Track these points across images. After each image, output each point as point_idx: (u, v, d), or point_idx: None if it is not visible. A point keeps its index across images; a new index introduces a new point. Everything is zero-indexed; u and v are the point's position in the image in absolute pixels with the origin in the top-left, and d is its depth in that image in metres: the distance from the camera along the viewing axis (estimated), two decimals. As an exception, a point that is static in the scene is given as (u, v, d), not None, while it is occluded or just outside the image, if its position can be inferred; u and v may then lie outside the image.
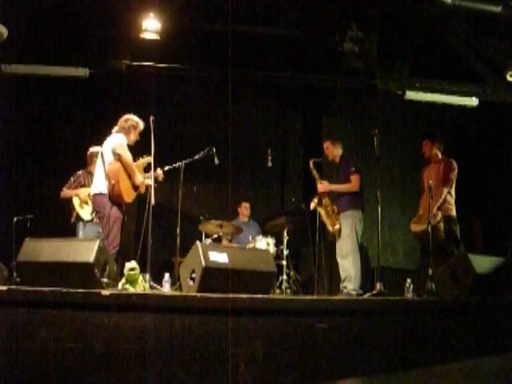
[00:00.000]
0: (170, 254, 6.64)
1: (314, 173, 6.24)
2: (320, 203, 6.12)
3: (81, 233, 6.16)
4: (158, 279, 4.99)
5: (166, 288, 4.85)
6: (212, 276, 4.14)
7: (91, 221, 6.10)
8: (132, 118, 5.47)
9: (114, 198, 5.21)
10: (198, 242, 4.35)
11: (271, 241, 6.81)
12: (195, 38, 7.52)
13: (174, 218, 5.73)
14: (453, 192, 5.84)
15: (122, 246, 5.27)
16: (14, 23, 6.42)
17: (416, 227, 5.88)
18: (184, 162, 5.93)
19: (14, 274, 4.83)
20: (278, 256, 6.71)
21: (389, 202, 8.08)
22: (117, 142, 5.31)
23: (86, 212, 6.16)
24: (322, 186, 6.12)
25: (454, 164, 5.87)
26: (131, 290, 4.55)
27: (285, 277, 6.50)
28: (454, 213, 5.79)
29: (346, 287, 5.77)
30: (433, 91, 7.80)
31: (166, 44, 7.27)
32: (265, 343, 3.74)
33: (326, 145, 6.29)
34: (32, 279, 3.99)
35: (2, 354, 3.53)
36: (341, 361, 3.89)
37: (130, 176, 5.33)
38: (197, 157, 6.08)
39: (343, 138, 6.61)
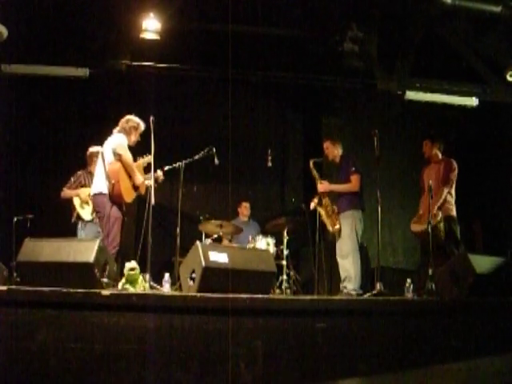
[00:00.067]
0: (170, 254, 6.64)
1: (314, 173, 6.24)
2: (320, 203, 6.12)
3: (81, 233, 6.16)
4: (158, 279, 4.99)
5: (166, 288, 4.85)
6: (212, 276, 4.14)
7: (91, 221, 6.11)
8: (133, 119, 5.49)
9: (114, 197, 5.22)
10: (197, 242, 4.35)
11: (271, 241, 6.82)
12: (195, 38, 7.52)
13: (174, 217, 5.73)
14: (453, 192, 5.84)
15: (121, 245, 5.28)
16: (14, 23, 6.42)
17: (416, 227, 5.88)
18: (184, 162, 5.94)
19: (14, 274, 4.83)
20: (278, 256, 6.71)
21: (389, 202, 8.07)
22: (117, 142, 5.33)
23: (86, 212, 6.17)
24: (322, 186, 6.12)
25: (455, 164, 5.87)
26: (131, 290, 4.55)
27: (285, 277, 6.51)
28: (454, 213, 5.80)
29: (345, 287, 5.77)
30: (433, 91, 7.81)
31: (166, 44, 7.27)
32: (265, 343, 3.74)
33: (326, 145, 6.30)
34: (32, 279, 3.99)
35: (2, 354, 3.53)
36: (341, 361, 3.89)
37: (130, 176, 5.34)
38: (197, 157, 6.09)
39: (343, 138, 6.62)
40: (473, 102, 7.81)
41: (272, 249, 6.72)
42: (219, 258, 4.24)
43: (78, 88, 7.51)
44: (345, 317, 3.99)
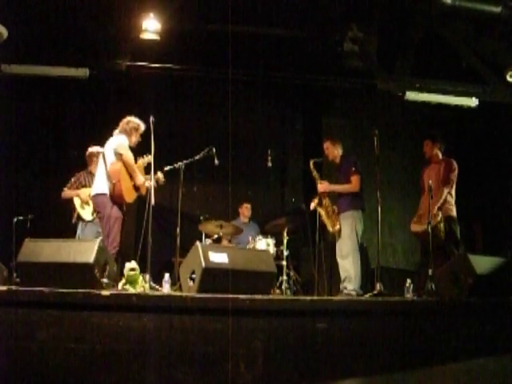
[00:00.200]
0: (170, 254, 6.64)
1: (314, 173, 6.23)
2: (320, 203, 6.12)
3: (81, 233, 6.16)
4: (158, 279, 4.98)
5: (166, 288, 4.84)
6: (212, 276, 4.14)
7: (92, 221, 6.11)
8: (133, 120, 5.51)
9: (115, 198, 5.23)
10: (197, 243, 4.35)
11: (271, 241, 6.82)
12: (195, 39, 7.52)
13: (174, 218, 5.73)
14: (453, 192, 5.84)
15: (122, 246, 5.28)
16: (14, 23, 6.42)
17: (416, 227, 5.88)
18: (184, 162, 5.94)
19: (14, 275, 4.83)
20: (278, 256, 6.71)
21: (389, 203, 8.07)
22: (119, 142, 5.35)
23: (86, 212, 6.17)
24: (322, 186, 6.12)
25: (455, 164, 5.87)
26: (131, 290, 4.55)
27: (285, 277, 6.51)
28: (454, 213, 5.79)
29: (346, 287, 5.76)
30: (433, 91, 7.80)
31: (166, 44, 7.27)
32: (265, 343, 3.74)
33: (326, 145, 6.29)
34: (32, 280, 3.99)
35: (2, 354, 3.53)
36: (341, 361, 3.89)
37: (131, 176, 5.36)
38: (197, 157, 6.09)
39: (343, 138, 6.61)
40: (473, 102, 7.81)
41: (272, 249, 6.72)
42: (219, 258, 4.24)
43: (78, 88, 7.52)
44: (345, 317, 3.99)
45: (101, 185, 5.30)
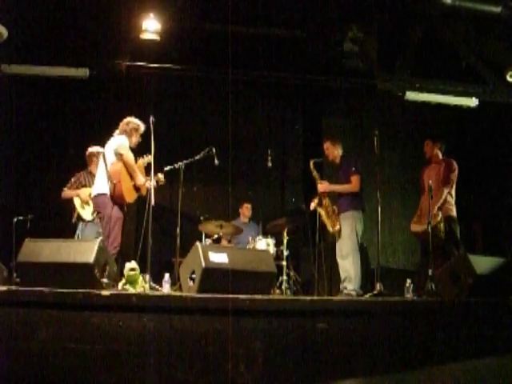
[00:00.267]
0: (170, 254, 6.64)
1: (315, 173, 6.23)
2: (320, 204, 6.12)
3: (81, 233, 6.16)
4: (158, 279, 4.98)
5: (166, 288, 4.84)
6: (212, 276, 4.14)
7: (92, 221, 6.11)
8: (133, 121, 5.52)
9: (116, 198, 5.23)
10: (197, 243, 4.35)
11: (271, 241, 6.82)
12: (195, 39, 7.52)
13: (174, 218, 5.73)
14: (453, 192, 5.84)
15: (122, 246, 5.29)
16: (14, 23, 6.42)
17: (416, 227, 5.88)
18: (184, 162, 5.94)
19: (14, 275, 4.83)
20: (278, 256, 6.71)
21: (389, 203, 8.08)
22: (119, 142, 5.36)
23: (87, 212, 6.17)
24: (322, 186, 6.11)
25: (455, 164, 5.87)
26: (131, 290, 4.55)
27: (285, 277, 6.51)
28: (454, 213, 5.79)
29: (346, 287, 5.76)
30: (432, 91, 7.80)
31: (166, 44, 7.28)
32: (265, 343, 3.74)
33: (326, 145, 6.29)
34: (32, 280, 3.98)
35: (2, 354, 3.52)
36: (341, 361, 3.89)
37: (131, 176, 5.36)
38: (197, 157, 6.09)
39: (343, 138, 6.61)
40: (473, 102, 7.81)
41: (272, 249, 6.72)
42: (219, 258, 4.24)
43: (78, 88, 7.52)
44: (345, 317, 3.99)
45: (101, 185, 5.30)
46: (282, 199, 8.82)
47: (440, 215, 5.63)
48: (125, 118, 5.60)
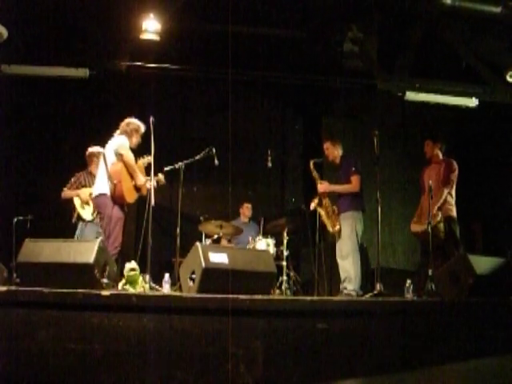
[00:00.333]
0: (170, 254, 6.64)
1: (314, 173, 6.23)
2: (320, 204, 6.12)
3: (81, 233, 6.16)
4: (157, 280, 4.98)
5: (166, 289, 4.85)
6: (212, 277, 4.14)
7: (92, 221, 6.11)
8: (134, 122, 5.53)
9: (116, 198, 5.24)
10: (197, 243, 4.35)
11: (271, 241, 6.82)
12: (195, 39, 7.52)
13: (174, 218, 5.73)
14: (453, 193, 5.83)
15: (122, 246, 5.29)
16: (14, 24, 6.43)
17: (416, 227, 5.88)
18: (184, 162, 5.94)
19: (14, 275, 4.83)
20: (278, 257, 6.71)
21: (389, 203, 8.07)
22: (119, 142, 5.37)
23: (86, 212, 6.17)
24: (322, 186, 6.11)
25: (455, 165, 5.87)
26: (131, 290, 4.55)
27: (285, 277, 6.51)
28: (454, 213, 5.79)
29: (346, 288, 5.76)
30: (432, 91, 7.81)
31: (166, 45, 7.28)
32: (265, 344, 3.74)
33: (327, 145, 6.29)
34: (32, 280, 3.99)
35: (2, 354, 3.53)
36: (341, 361, 3.89)
37: (131, 176, 5.37)
38: (197, 157, 6.08)
39: (343, 139, 6.61)
40: (473, 102, 7.82)
41: (272, 249, 6.72)
42: (219, 258, 4.24)
43: (78, 88, 7.52)
44: (345, 317, 3.99)
45: (102, 185, 5.31)
46: (281, 199, 8.82)
47: (440, 215, 5.63)
48: (125, 118, 5.60)
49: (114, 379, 3.54)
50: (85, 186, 6.22)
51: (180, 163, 5.91)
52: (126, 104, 7.59)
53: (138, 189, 5.45)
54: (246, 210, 7.80)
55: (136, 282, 4.68)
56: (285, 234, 6.77)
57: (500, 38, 7.37)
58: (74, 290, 3.68)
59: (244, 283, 4.18)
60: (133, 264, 4.75)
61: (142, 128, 5.51)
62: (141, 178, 5.39)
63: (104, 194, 5.27)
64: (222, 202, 7.96)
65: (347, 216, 5.90)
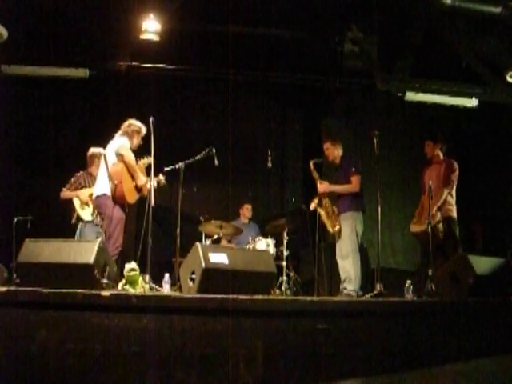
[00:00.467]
0: (169, 254, 6.63)
1: (314, 173, 6.23)
2: (320, 204, 6.12)
3: (81, 233, 6.16)
4: (157, 280, 4.98)
5: (166, 289, 4.85)
6: (212, 277, 4.14)
7: (92, 221, 6.11)
8: (135, 123, 5.54)
9: (117, 198, 5.25)
10: (197, 243, 4.35)
11: (271, 242, 6.82)
12: (195, 39, 7.52)
13: (174, 218, 5.73)
14: (453, 193, 5.83)
15: (122, 246, 5.29)
16: (14, 24, 6.43)
17: (415, 228, 5.88)
18: (184, 162, 5.94)
19: (14, 275, 4.83)
20: (278, 257, 6.71)
21: (389, 203, 8.08)
22: (120, 143, 5.39)
23: (86, 213, 6.17)
24: (322, 186, 6.11)
25: (456, 165, 5.86)
26: (131, 290, 4.55)
27: (285, 278, 6.50)
28: (454, 214, 5.78)
29: (345, 288, 5.76)
30: (432, 92, 7.80)
31: (166, 45, 7.27)
32: (265, 343, 3.74)
33: (327, 145, 6.28)
34: (32, 280, 3.99)
35: (1, 355, 3.53)
36: (341, 361, 3.89)
37: (132, 177, 5.37)
38: (197, 157, 6.08)
39: (343, 139, 6.61)
40: (473, 102, 7.82)
41: (272, 250, 6.72)
42: (219, 259, 4.24)
43: (78, 89, 7.52)
44: (345, 318, 3.99)
45: (103, 186, 5.31)
46: (281, 199, 8.82)
47: (439, 215, 5.62)
48: (125, 118, 5.61)
49: (113, 379, 3.54)
50: (84, 186, 6.21)
51: (180, 163, 5.91)
52: (125, 104, 7.59)
53: (138, 189, 5.46)
54: (246, 211, 7.79)
55: (136, 282, 4.68)
56: (285, 235, 6.77)
57: (500, 38, 7.37)
58: (74, 290, 3.69)
59: (244, 283, 4.18)
60: (133, 264, 4.75)
61: (143, 130, 5.52)
62: (141, 179, 5.40)
63: (105, 195, 5.27)
64: (221, 202, 7.96)
65: (347, 216, 5.90)
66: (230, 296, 3.84)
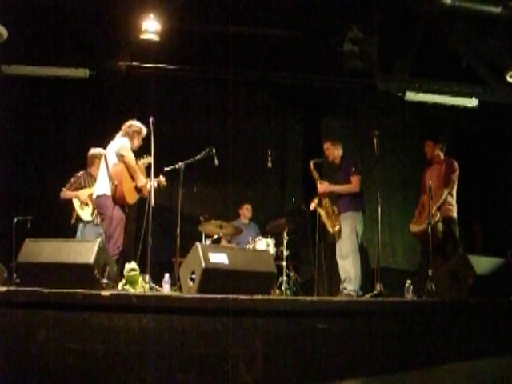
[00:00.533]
0: (169, 254, 6.64)
1: (315, 173, 6.23)
2: (320, 204, 6.12)
3: (81, 234, 6.16)
4: (157, 280, 4.98)
5: (166, 289, 4.84)
6: (212, 277, 4.14)
7: (91, 222, 6.11)
8: (135, 124, 5.54)
9: (117, 199, 5.25)
10: (197, 243, 4.35)
11: (271, 242, 6.82)
12: (195, 39, 7.52)
13: (174, 218, 5.73)
14: (454, 193, 5.83)
15: (123, 246, 5.29)
16: (14, 24, 6.43)
17: (414, 227, 5.88)
18: (184, 162, 5.94)
19: (14, 275, 4.83)
20: (278, 257, 6.71)
21: (389, 203, 8.08)
22: (121, 144, 5.39)
23: (86, 213, 6.17)
24: (322, 186, 6.11)
25: (456, 165, 5.87)
26: (131, 290, 4.55)
27: (285, 278, 6.50)
28: (454, 214, 5.79)
29: (345, 288, 5.76)
30: (432, 92, 7.81)
31: (166, 45, 7.27)
32: (265, 343, 3.74)
33: (327, 145, 6.28)
34: (32, 280, 3.98)
35: (1, 355, 3.52)
36: (341, 361, 3.89)
37: (132, 178, 5.38)
38: (197, 157, 6.08)
39: (343, 139, 6.61)
40: (473, 102, 7.82)
41: (272, 250, 6.72)
42: (219, 258, 4.24)
43: (78, 89, 7.52)
44: (345, 318, 3.99)
45: (103, 186, 5.32)
46: (281, 199, 8.82)
47: (438, 215, 5.62)
48: (125, 118, 5.61)
49: (114, 379, 3.54)
50: (84, 186, 6.21)
51: (180, 163, 5.91)
52: (125, 104, 7.59)
53: (138, 190, 5.46)
54: (246, 211, 7.79)
55: (136, 282, 4.68)
56: (285, 234, 6.77)
57: (500, 38, 7.37)
58: (74, 290, 3.68)
59: (244, 283, 4.18)
60: (133, 264, 4.75)
61: (144, 130, 5.52)
62: (142, 180, 5.40)
63: (105, 195, 5.27)
64: (221, 202, 7.96)
65: (347, 216, 5.90)
66: (230, 296, 3.84)
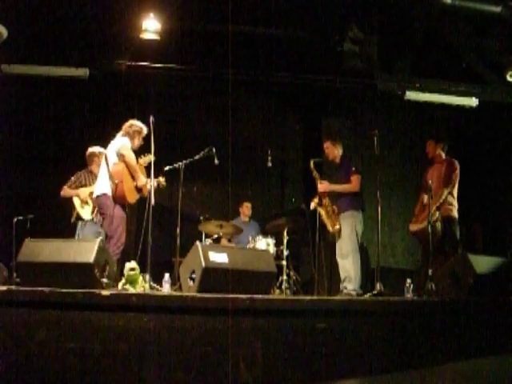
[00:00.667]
0: (170, 254, 6.64)
1: (315, 173, 6.23)
2: (320, 203, 6.12)
3: (81, 232, 6.16)
4: (158, 279, 4.99)
5: (166, 288, 4.85)
6: (212, 276, 4.14)
7: (91, 220, 6.11)
8: (136, 124, 5.55)
9: (117, 198, 5.26)
10: (197, 243, 4.35)
11: (271, 241, 6.82)
12: (195, 39, 7.52)
13: (174, 218, 5.74)
14: (455, 193, 5.84)
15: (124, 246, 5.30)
16: (14, 23, 6.42)
17: (413, 227, 5.89)
18: (184, 162, 5.94)
19: (14, 275, 4.83)
20: (278, 256, 6.71)
21: (389, 202, 8.08)
22: (121, 143, 5.41)
23: (86, 212, 6.17)
24: (323, 186, 6.11)
25: (456, 164, 5.87)
26: (131, 290, 4.55)
27: (285, 277, 6.50)
28: (454, 213, 5.79)
29: (345, 287, 5.77)
30: (432, 91, 7.81)
31: (166, 44, 7.27)
32: (265, 343, 3.74)
33: (327, 145, 6.29)
34: (32, 279, 3.99)
35: (1, 354, 3.52)
36: (341, 361, 3.89)
37: (133, 177, 5.38)
38: (197, 157, 6.09)
39: (343, 138, 6.61)
40: (473, 102, 7.82)
41: (272, 249, 6.72)
42: (219, 258, 4.24)
43: (78, 88, 7.52)
44: (345, 317, 3.99)
45: (103, 186, 5.33)
46: (281, 199, 8.82)
47: (437, 214, 5.62)
48: (125, 117, 5.62)
49: (113, 379, 3.53)
50: (85, 185, 6.22)
51: (180, 163, 5.92)
52: (126, 104, 7.59)
53: (139, 189, 5.47)
54: (246, 209, 7.79)
55: (136, 281, 4.68)
56: (285, 234, 6.77)
57: (500, 38, 7.37)
58: (74, 290, 3.68)
59: (244, 283, 4.18)
60: (133, 264, 4.75)
61: (145, 130, 5.53)
62: (142, 179, 5.41)
63: (105, 195, 5.29)
64: (221, 201, 7.97)
65: (347, 216, 5.91)
66: (230, 295, 3.84)
